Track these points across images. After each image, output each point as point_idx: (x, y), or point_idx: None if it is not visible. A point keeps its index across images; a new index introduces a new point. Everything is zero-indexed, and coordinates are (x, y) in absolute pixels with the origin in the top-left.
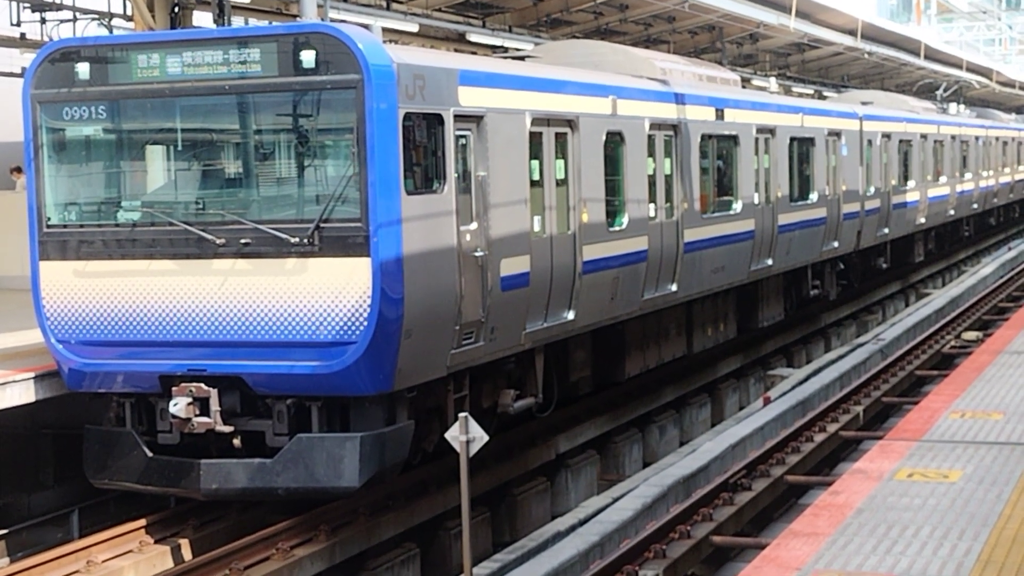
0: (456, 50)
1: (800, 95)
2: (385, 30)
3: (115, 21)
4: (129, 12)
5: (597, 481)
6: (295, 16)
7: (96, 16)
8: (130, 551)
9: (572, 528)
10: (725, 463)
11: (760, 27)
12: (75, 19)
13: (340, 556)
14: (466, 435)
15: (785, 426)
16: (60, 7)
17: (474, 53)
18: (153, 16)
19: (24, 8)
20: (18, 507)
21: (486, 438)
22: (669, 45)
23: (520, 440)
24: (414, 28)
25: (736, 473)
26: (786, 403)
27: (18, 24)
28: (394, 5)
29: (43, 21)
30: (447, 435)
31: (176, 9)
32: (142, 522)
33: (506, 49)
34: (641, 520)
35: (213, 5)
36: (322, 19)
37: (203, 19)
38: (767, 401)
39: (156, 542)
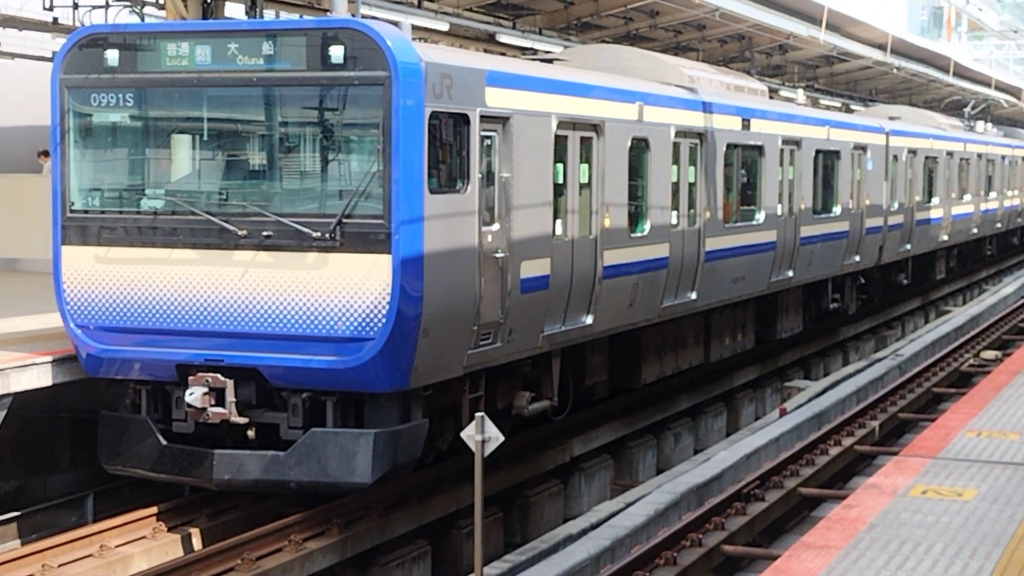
0: (485, 51)
1: (828, 107)
2: (416, 28)
3: (147, 9)
4: (162, 1)
5: (611, 486)
6: (325, 11)
7: (128, 3)
8: (143, 537)
9: (584, 532)
10: (739, 473)
11: (790, 38)
12: (107, 6)
13: (352, 550)
14: (482, 435)
15: (800, 438)
16: None
17: (503, 54)
18: (185, 6)
19: None
20: (34, 489)
21: (501, 438)
22: (698, 53)
23: (535, 442)
24: (444, 27)
25: (749, 483)
26: (802, 415)
27: (51, 8)
28: (425, 3)
29: (75, 7)
30: (463, 434)
31: (209, 0)
32: (156, 509)
33: (535, 51)
34: (653, 526)
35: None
36: (352, 15)
37: (235, 11)
38: (783, 412)
39: (169, 530)
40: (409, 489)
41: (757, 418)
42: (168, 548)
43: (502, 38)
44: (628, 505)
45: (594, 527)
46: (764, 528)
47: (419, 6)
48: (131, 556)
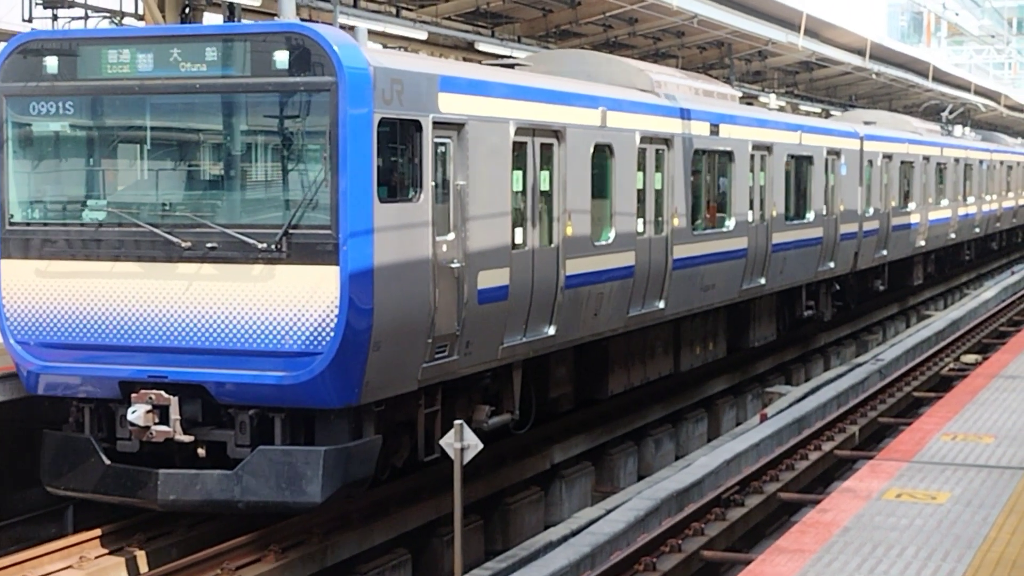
0: (464, 59)
1: (808, 113)
2: (394, 37)
3: (126, 20)
4: (140, 12)
5: (591, 493)
6: (307, 20)
7: (108, 14)
8: (123, 548)
9: (564, 539)
10: (719, 478)
11: (769, 44)
12: (87, 16)
13: (332, 559)
14: (460, 442)
15: (781, 443)
16: (72, 4)
17: (481, 63)
18: (164, 16)
19: (36, 4)
20: (13, 501)
21: (480, 446)
22: (678, 60)
23: (515, 450)
24: (423, 36)
25: (729, 489)
26: (783, 420)
27: (30, 20)
28: (404, 12)
29: (55, 18)
30: (442, 442)
31: (187, 10)
32: (136, 519)
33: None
34: (633, 533)
35: (224, 7)
36: (302, 19)
37: (214, 21)
38: (764, 418)
39: (149, 540)
40: (389, 497)
41: (738, 424)
42: (148, 558)
43: (481, 46)
44: (608, 512)
45: (574, 534)
46: (744, 533)
47: (398, 15)
48: (111, 567)
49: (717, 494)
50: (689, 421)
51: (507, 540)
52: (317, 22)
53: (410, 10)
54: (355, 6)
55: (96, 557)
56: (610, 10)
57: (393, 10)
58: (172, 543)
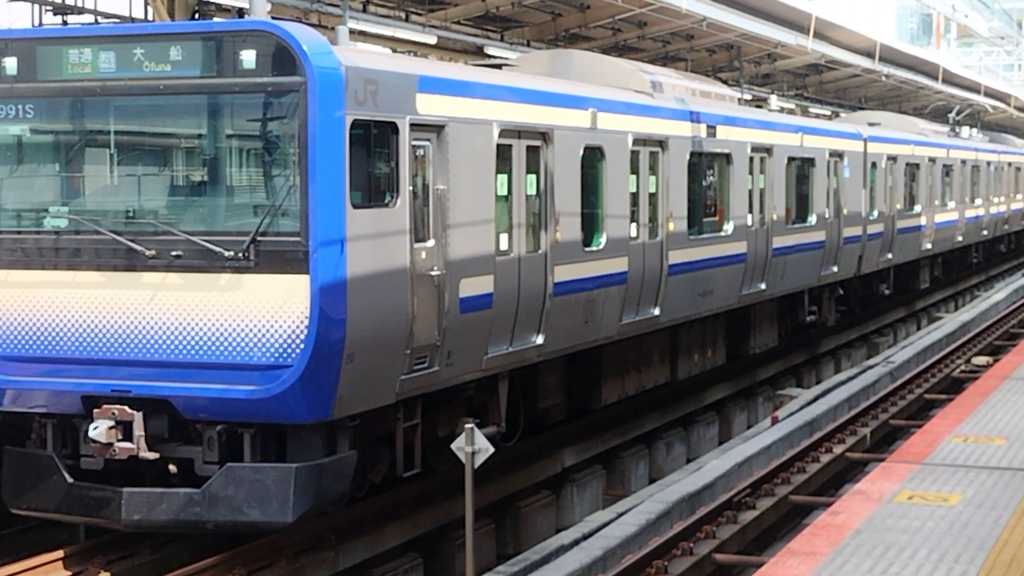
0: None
1: (817, 116)
2: (404, 42)
3: None
4: (152, 17)
5: (603, 496)
6: (318, 25)
7: (117, 21)
8: (134, 553)
9: (576, 542)
10: (730, 481)
11: (778, 47)
12: (96, 23)
13: (344, 564)
14: (471, 446)
15: (792, 446)
16: (82, 11)
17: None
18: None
19: (46, 11)
20: None
21: (491, 450)
22: (687, 63)
23: (526, 453)
24: (432, 40)
25: (741, 492)
26: (794, 423)
27: (39, 27)
28: (413, 17)
29: (65, 24)
30: (453, 446)
31: (196, 15)
32: None
33: None
34: (645, 536)
35: (233, 12)
36: (275, 18)
37: None
38: (775, 421)
39: (160, 545)
40: (401, 501)
41: (749, 427)
42: (161, 564)
43: (490, 51)
44: (620, 515)
45: (586, 537)
46: (756, 536)
47: (407, 20)
48: (122, 573)
49: (728, 497)
50: (700, 424)
51: (519, 544)
52: (286, 19)
53: (419, 14)
54: (364, 11)
55: (107, 563)
56: (619, 13)
57: (402, 14)
58: (183, 548)
